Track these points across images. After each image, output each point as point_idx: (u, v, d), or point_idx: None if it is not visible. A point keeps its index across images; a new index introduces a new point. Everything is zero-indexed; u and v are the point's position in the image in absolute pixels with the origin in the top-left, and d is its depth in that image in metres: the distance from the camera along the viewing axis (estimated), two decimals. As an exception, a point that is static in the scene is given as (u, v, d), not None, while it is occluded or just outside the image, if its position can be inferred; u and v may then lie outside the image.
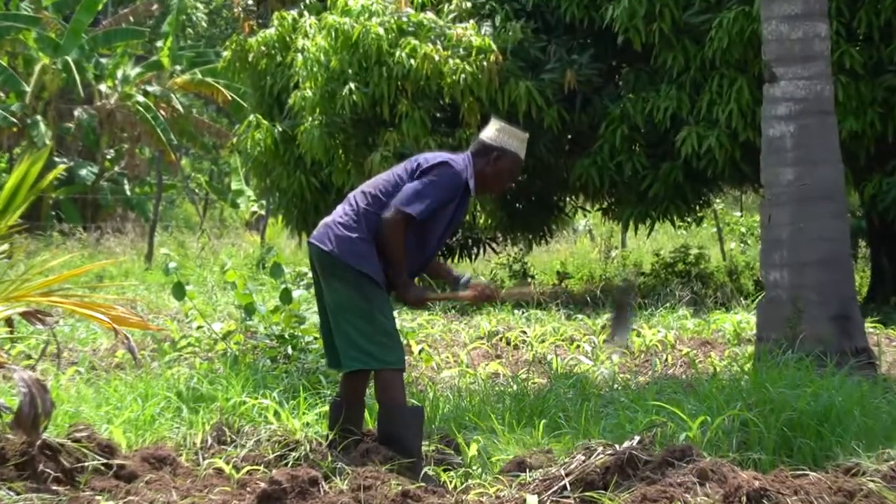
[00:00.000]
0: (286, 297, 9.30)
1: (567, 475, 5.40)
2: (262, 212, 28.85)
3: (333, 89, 15.49)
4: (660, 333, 11.50)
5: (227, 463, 6.01)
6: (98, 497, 5.32)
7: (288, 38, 17.17)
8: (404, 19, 15.29)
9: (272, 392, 7.53)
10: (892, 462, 5.47)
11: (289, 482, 5.33)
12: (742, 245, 25.12)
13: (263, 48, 17.42)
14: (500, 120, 6.49)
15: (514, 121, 14.98)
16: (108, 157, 31.10)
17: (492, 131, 6.37)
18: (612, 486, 5.29)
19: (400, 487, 5.36)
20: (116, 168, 31.46)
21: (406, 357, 9.66)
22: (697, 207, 17.07)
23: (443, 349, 10.81)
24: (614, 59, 16.14)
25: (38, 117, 27.63)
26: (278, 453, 6.17)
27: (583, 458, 5.51)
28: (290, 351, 9.03)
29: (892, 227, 14.89)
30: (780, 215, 9.12)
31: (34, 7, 29.23)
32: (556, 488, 5.37)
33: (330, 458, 5.95)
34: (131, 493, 5.44)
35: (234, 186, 31.05)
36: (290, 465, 5.97)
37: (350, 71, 15.27)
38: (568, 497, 5.29)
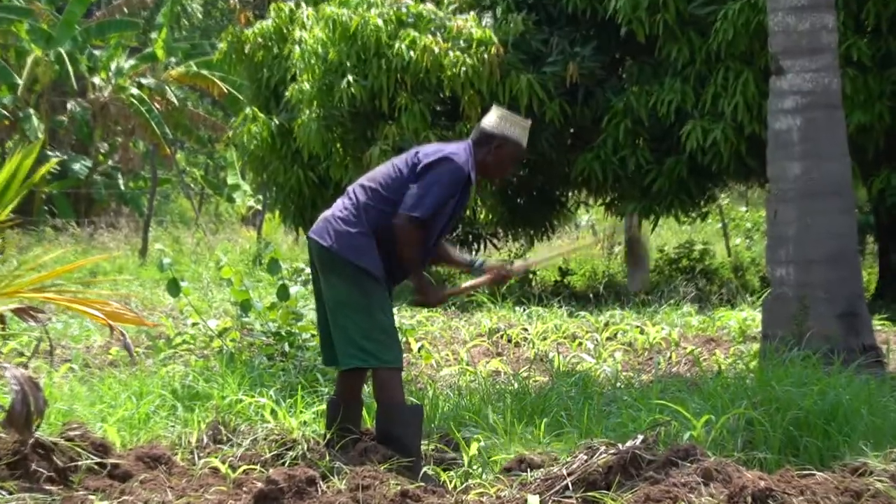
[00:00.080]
0: (283, 293, 9.30)
1: (569, 475, 5.40)
2: (259, 207, 28.84)
3: (331, 82, 15.48)
4: (664, 331, 11.51)
5: (223, 462, 6.01)
6: (92, 497, 5.32)
7: (285, 30, 17.17)
8: (403, 10, 15.28)
9: (269, 390, 7.53)
10: (900, 462, 5.47)
11: (286, 482, 5.33)
12: (747, 241, 25.14)
13: (260, 40, 17.42)
14: (501, 107, 6.49)
15: (515, 114, 15.01)
16: (102, 150, 31.08)
17: (493, 119, 6.36)
18: (615, 486, 5.29)
19: (399, 487, 5.36)
20: (110, 162, 31.44)
21: (405, 355, 9.73)
22: (702, 202, 17.04)
23: (442, 346, 10.81)
24: (617, 51, 16.13)
25: (31, 110, 27.61)
26: (275, 452, 6.17)
27: (585, 457, 5.52)
28: (286, 348, 9.04)
29: (901, 222, 14.89)
30: (787, 211, 9.12)
31: (26, -2, 29.25)
32: (557, 488, 5.38)
33: (328, 458, 5.95)
34: (125, 492, 5.44)
35: (230, 181, 31.03)
36: (287, 464, 5.98)
37: (348, 63, 15.27)
38: (570, 497, 5.30)
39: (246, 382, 7.79)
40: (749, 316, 12.14)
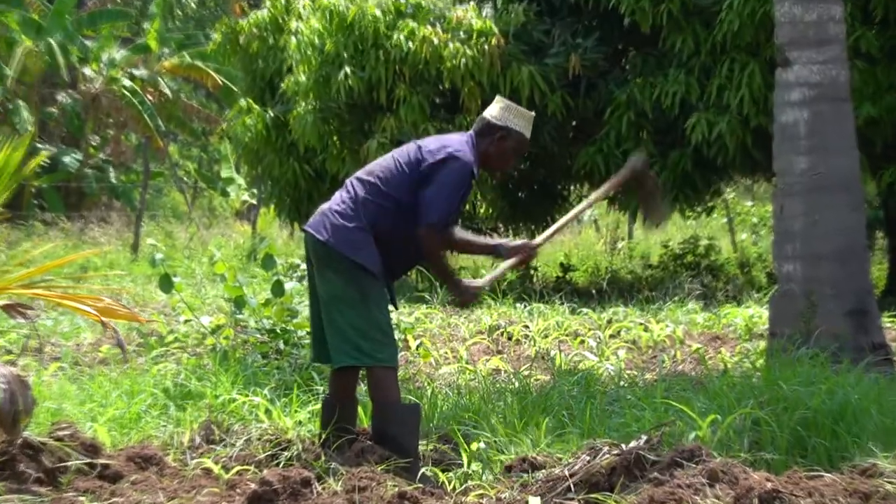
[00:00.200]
0: (278, 289, 9.29)
1: (571, 476, 5.40)
2: (254, 201, 28.85)
3: (328, 73, 15.47)
4: (668, 328, 11.51)
5: (216, 463, 6.00)
6: (81, 498, 5.31)
7: (281, 20, 17.16)
8: (402, 0, 15.27)
9: (263, 389, 7.52)
10: (910, 463, 5.46)
11: (280, 483, 5.32)
12: (754, 236, 25.14)
13: (255, 30, 17.41)
14: (505, 98, 6.48)
15: (516, 106, 15.01)
16: (93, 143, 31.05)
17: (496, 110, 6.35)
18: (619, 487, 5.28)
19: (396, 489, 5.34)
20: (101, 155, 31.41)
21: (403, 353, 9.72)
22: (707, 197, 17.06)
23: (441, 344, 10.80)
24: (621, 42, 16.11)
25: (20, 102, 27.58)
26: (269, 453, 6.16)
27: (588, 458, 5.51)
28: (281, 346, 9.03)
29: (910, 217, 14.89)
30: (794, 205, 9.11)
31: (16, -13, 29.20)
32: (559, 490, 5.37)
33: (323, 458, 5.94)
34: (116, 493, 5.43)
35: (224, 174, 31.03)
36: (281, 465, 5.96)
37: (345, 54, 15.25)
38: (572, 499, 5.29)
39: (240, 381, 7.78)
40: (755, 313, 12.13)
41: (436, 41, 14.73)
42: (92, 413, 7.13)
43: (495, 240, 6.61)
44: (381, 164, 6.27)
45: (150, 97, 29.13)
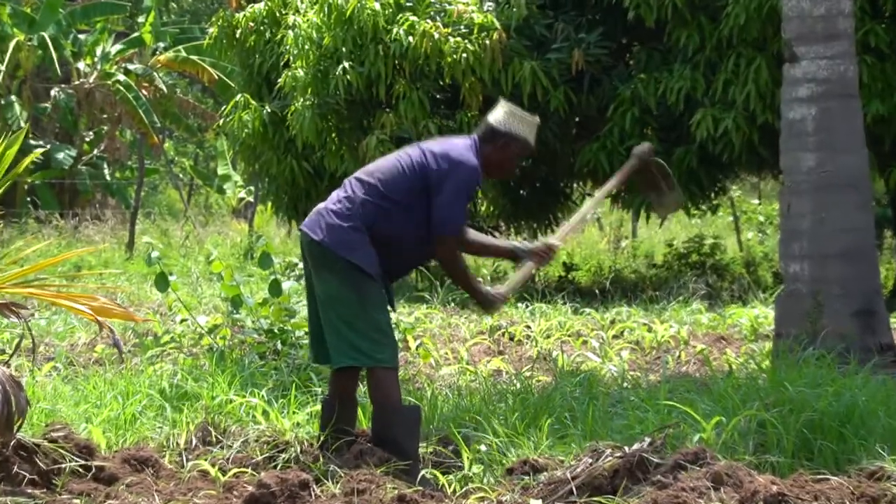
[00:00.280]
0: (275, 289, 9.30)
1: (573, 479, 5.41)
2: (251, 198, 28.85)
3: (326, 68, 15.47)
4: (672, 329, 11.51)
5: (213, 465, 6.01)
6: (76, 500, 5.33)
7: (278, 14, 17.14)
8: (402, -6, 15.28)
9: (260, 390, 7.54)
10: (918, 466, 5.48)
11: (278, 485, 5.34)
12: (760, 235, 25.12)
13: (252, 24, 17.39)
14: (509, 102, 6.48)
15: (518, 103, 14.99)
16: (87, 139, 31.02)
17: (500, 115, 6.36)
18: (621, 490, 5.30)
19: (396, 491, 5.36)
20: (96, 151, 31.37)
21: (403, 353, 9.73)
22: (713, 195, 17.04)
23: (442, 345, 10.81)
24: (625, 37, 16.11)
25: (13, 97, 27.57)
26: (267, 455, 6.18)
27: (590, 460, 5.52)
28: (279, 346, 9.04)
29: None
30: (801, 204, 9.13)
31: (8, -20, 29.20)
32: (561, 493, 5.38)
33: (321, 460, 5.96)
34: (111, 496, 5.45)
35: (220, 171, 31.02)
36: (279, 467, 5.98)
37: (344, 49, 15.25)
38: (574, 502, 5.31)
39: (237, 382, 7.79)
40: (761, 313, 12.13)
41: (436, 36, 14.73)
42: (87, 414, 7.14)
43: (511, 242, 6.65)
44: (382, 165, 6.29)
45: (145, 92, 29.08)
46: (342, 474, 5.64)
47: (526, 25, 15.25)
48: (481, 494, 5.64)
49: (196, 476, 5.94)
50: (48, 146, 28.55)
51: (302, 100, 15.67)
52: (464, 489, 5.80)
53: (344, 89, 15.20)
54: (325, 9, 15.35)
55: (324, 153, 16.26)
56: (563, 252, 20.52)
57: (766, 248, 21.81)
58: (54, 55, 27.03)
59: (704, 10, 14.46)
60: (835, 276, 8.97)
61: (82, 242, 22.38)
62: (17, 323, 7.32)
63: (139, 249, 21.56)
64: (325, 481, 5.64)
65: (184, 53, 28.74)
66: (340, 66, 15.14)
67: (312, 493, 5.39)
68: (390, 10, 15.10)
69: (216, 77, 27.84)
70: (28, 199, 28.23)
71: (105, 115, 29.70)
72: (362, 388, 6.72)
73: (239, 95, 17.50)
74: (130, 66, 29.63)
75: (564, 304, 13.45)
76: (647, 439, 5.61)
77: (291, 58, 15.97)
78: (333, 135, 16.07)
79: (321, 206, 6.24)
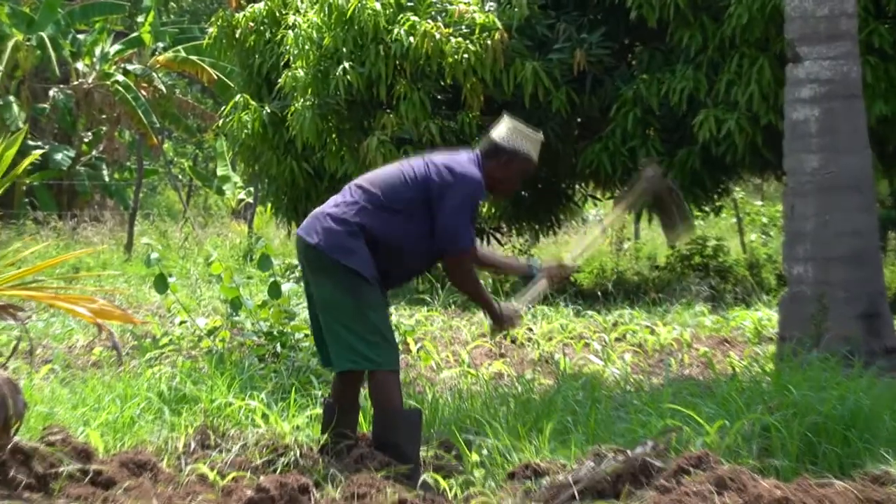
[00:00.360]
0: (275, 290, 9.30)
1: (575, 483, 5.40)
2: (250, 199, 28.84)
3: (326, 68, 15.47)
4: (675, 331, 11.51)
5: (212, 469, 6.00)
6: (73, 505, 5.32)
7: (278, 14, 17.15)
8: (402, -6, 15.28)
9: (260, 393, 7.52)
10: (923, 470, 5.47)
11: (277, 490, 5.33)
12: (763, 237, 25.10)
13: (252, 24, 17.41)
14: (513, 118, 6.47)
15: (520, 103, 15.01)
16: (86, 140, 31.02)
17: (504, 131, 6.35)
18: (624, 494, 5.29)
19: (396, 496, 5.35)
20: (94, 152, 31.39)
21: (404, 356, 9.72)
22: (716, 196, 17.05)
23: (443, 347, 10.80)
24: (627, 37, 16.11)
25: (11, 98, 27.57)
26: (266, 459, 6.16)
27: (592, 464, 5.51)
28: (279, 349, 9.03)
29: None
30: (804, 205, 9.12)
31: (6, -20, 29.21)
32: (563, 497, 5.37)
33: (321, 464, 5.95)
34: (109, 500, 5.43)
35: (219, 172, 31.01)
36: (278, 471, 5.97)
37: (344, 49, 15.25)
38: (576, 506, 5.29)
39: (236, 384, 7.78)
40: (765, 316, 12.13)
41: (437, 36, 14.73)
42: (84, 417, 7.13)
43: (522, 259, 6.63)
44: (384, 174, 6.28)
45: (144, 92, 29.09)
46: (342, 478, 5.63)
47: (528, 25, 15.25)
48: (483, 499, 5.64)
49: (194, 480, 5.93)
50: (46, 147, 28.57)
51: (302, 100, 15.68)
52: (465, 493, 5.79)
53: (344, 90, 15.20)
54: (326, 9, 15.35)
55: (324, 154, 16.26)
56: (564, 254, 20.52)
57: (769, 249, 21.79)
58: (53, 55, 27.04)
59: (707, 10, 14.46)
60: (839, 279, 8.96)
61: (80, 244, 22.37)
62: (15, 325, 7.32)
63: (138, 251, 21.55)
64: (325, 485, 5.63)
65: (183, 53, 28.75)
66: (341, 67, 15.14)
67: (312, 498, 5.38)
68: (391, 10, 15.10)
69: (216, 77, 27.85)
70: (26, 200, 28.23)
71: (104, 116, 29.70)
72: (364, 392, 6.72)
73: (238, 96, 17.52)
74: (129, 67, 29.64)
75: (566, 306, 13.45)
76: (650, 443, 5.60)
77: (291, 58, 15.98)
78: (334, 136, 16.07)
79: (318, 210, 6.24)
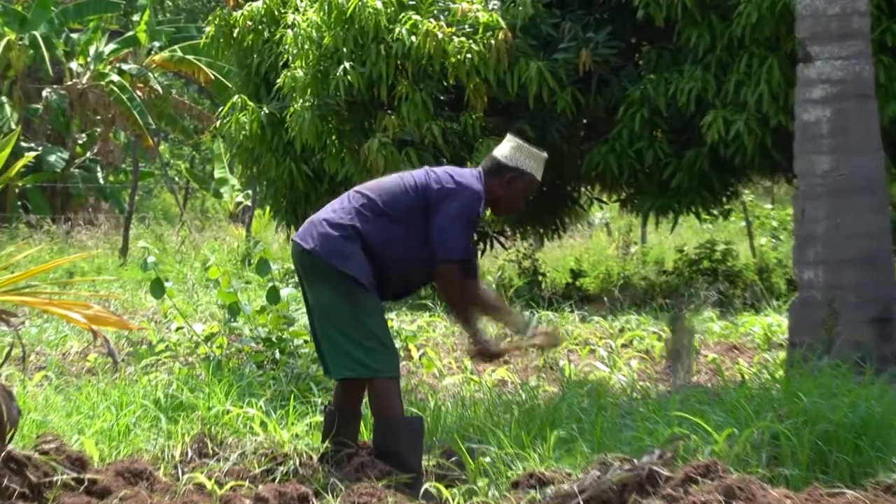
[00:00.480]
0: (274, 296, 9.30)
1: (581, 492, 5.41)
2: (248, 202, 28.83)
3: (326, 68, 15.48)
4: (683, 337, 11.50)
5: (209, 478, 6.01)
6: (68, 514, 5.33)
7: (277, 12, 17.16)
8: (404, -8, 15.30)
9: (258, 400, 7.53)
10: (936, 479, 5.47)
11: (276, 499, 5.34)
12: (773, 241, 25.10)
13: (250, 23, 17.41)
14: (517, 137, 6.50)
15: (524, 104, 15.03)
16: (80, 141, 31.06)
17: (507, 149, 6.37)
18: (630, 504, 5.30)
19: (398, 505, 5.36)
20: (88, 154, 31.41)
21: (405, 363, 9.73)
22: (725, 199, 17.04)
23: (445, 354, 10.82)
24: (634, 36, 16.12)
25: (3, 98, 27.63)
26: (265, 467, 6.17)
27: (598, 473, 5.52)
28: (277, 355, 9.04)
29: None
30: (815, 208, 9.13)
31: (-2, -22, 29.26)
32: (568, 507, 5.38)
33: (321, 473, 5.96)
34: (104, 510, 5.45)
35: (217, 174, 31.04)
36: (277, 480, 5.98)
37: (345, 49, 15.27)
38: (581, 516, 5.30)
39: (234, 392, 7.79)
40: (775, 321, 12.13)
41: (440, 35, 14.74)
42: (79, 425, 7.15)
43: (525, 315, 6.64)
44: (386, 184, 6.31)
45: (140, 93, 29.11)
46: (342, 488, 5.64)
47: (532, 24, 15.26)
48: (486, 508, 5.65)
49: (192, 489, 5.93)
50: (40, 149, 28.57)
51: (301, 101, 15.69)
52: (468, 503, 5.80)
53: (344, 90, 15.21)
54: (326, 7, 15.36)
55: (324, 156, 16.26)
56: (570, 259, 20.54)
57: (779, 254, 21.78)
58: (46, 55, 27.08)
59: (715, 8, 14.46)
60: (850, 283, 8.96)
61: (75, 248, 22.40)
62: (8, 331, 7.32)
63: (133, 255, 21.58)
64: (325, 495, 5.65)
65: (179, 53, 28.79)
66: (341, 67, 15.15)
67: (312, 507, 5.39)
68: (392, 9, 15.11)
69: (213, 77, 27.89)
70: (19, 203, 28.28)
71: (98, 117, 29.75)
72: (366, 399, 6.73)
73: (236, 96, 17.51)
74: (124, 66, 29.66)
75: (572, 311, 13.45)
76: (657, 452, 5.61)
77: (290, 58, 15.99)
78: (334, 137, 16.07)
79: (315, 216, 6.26)
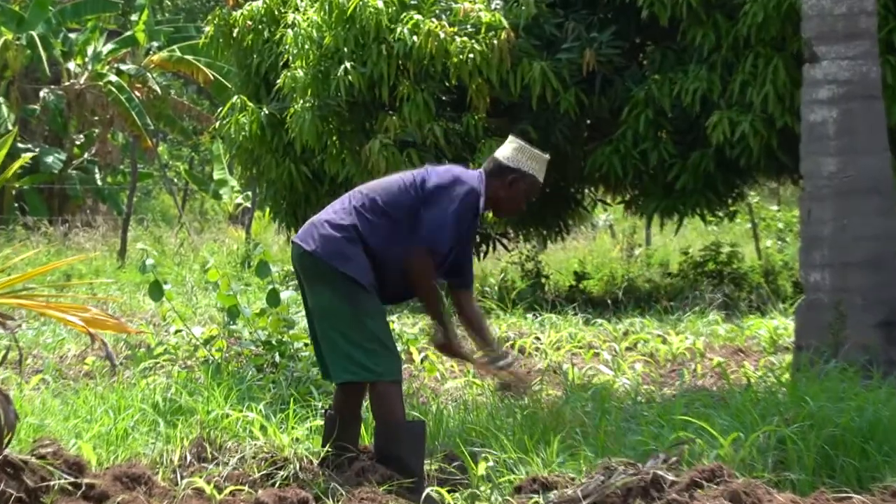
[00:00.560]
0: (273, 298, 9.30)
1: (585, 497, 5.41)
2: (248, 204, 28.84)
3: (327, 69, 15.48)
4: (688, 340, 11.51)
5: (208, 482, 6.01)
6: (65, 519, 5.33)
7: (277, 12, 17.16)
8: (406, -9, 15.29)
9: (258, 404, 7.53)
10: (944, 484, 5.47)
11: (276, 504, 5.34)
12: (779, 243, 25.09)
13: (249, 22, 17.41)
14: (519, 138, 6.49)
15: (527, 104, 15.02)
16: (78, 142, 31.10)
17: (509, 151, 6.36)
18: (635, 509, 5.29)
19: (399, 510, 5.36)
20: (86, 155, 31.44)
21: (407, 366, 9.73)
22: (730, 200, 17.03)
23: (447, 357, 10.80)
24: (638, 36, 16.11)
25: (0, 99, 27.63)
26: (265, 472, 6.17)
27: (602, 478, 5.52)
28: (277, 358, 9.04)
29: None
30: (822, 210, 9.12)
31: (-5, -23, 29.28)
32: (572, 512, 5.38)
33: (322, 478, 5.96)
34: (102, 514, 5.45)
35: (216, 176, 31.04)
36: (277, 485, 5.98)
37: (345, 48, 15.26)
38: (585, 521, 5.30)
39: (233, 395, 7.79)
40: (781, 324, 12.12)
41: (442, 35, 14.73)
42: (76, 429, 7.15)
43: (497, 347, 6.59)
44: (385, 182, 6.32)
45: (138, 93, 29.12)
46: (343, 493, 5.64)
47: (535, 24, 15.25)
48: (488, 513, 5.65)
49: (190, 494, 5.94)
50: (37, 150, 28.61)
51: (301, 101, 15.68)
52: (470, 508, 5.81)
53: (345, 90, 15.20)
54: (326, 7, 15.36)
55: (324, 157, 16.26)
56: (574, 261, 20.53)
57: (785, 256, 21.78)
58: (43, 55, 27.09)
59: (721, 8, 14.46)
60: (857, 286, 8.96)
61: (72, 250, 22.42)
62: (4, 334, 7.33)
63: (132, 257, 21.59)
64: (326, 500, 5.65)
65: (178, 53, 28.79)
66: (342, 67, 15.15)
67: (312, 512, 5.39)
68: (394, 9, 15.11)
69: (212, 78, 27.89)
70: (16, 204, 28.29)
71: (96, 118, 29.76)
72: (366, 403, 6.73)
73: (236, 97, 17.51)
74: (123, 67, 29.68)
75: (575, 314, 13.46)
76: (662, 456, 5.62)
77: (291, 58, 15.99)
78: (334, 138, 16.07)
79: (315, 217, 6.26)
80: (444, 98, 15.65)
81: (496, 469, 6.36)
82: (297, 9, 16.44)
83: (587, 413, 7.63)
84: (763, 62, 14.07)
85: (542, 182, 6.42)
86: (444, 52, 14.75)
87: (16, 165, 7.10)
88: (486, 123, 15.31)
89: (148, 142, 28.55)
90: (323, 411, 7.11)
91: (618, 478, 5.46)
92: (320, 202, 15.08)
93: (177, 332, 10.41)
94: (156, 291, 9.58)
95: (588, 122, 16.52)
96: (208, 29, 18.24)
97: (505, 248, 18.80)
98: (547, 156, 6.47)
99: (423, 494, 5.80)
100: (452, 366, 10.28)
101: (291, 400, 7.68)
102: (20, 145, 27.31)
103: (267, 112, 16.93)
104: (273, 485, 5.99)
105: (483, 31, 14.88)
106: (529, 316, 13.47)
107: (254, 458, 6.35)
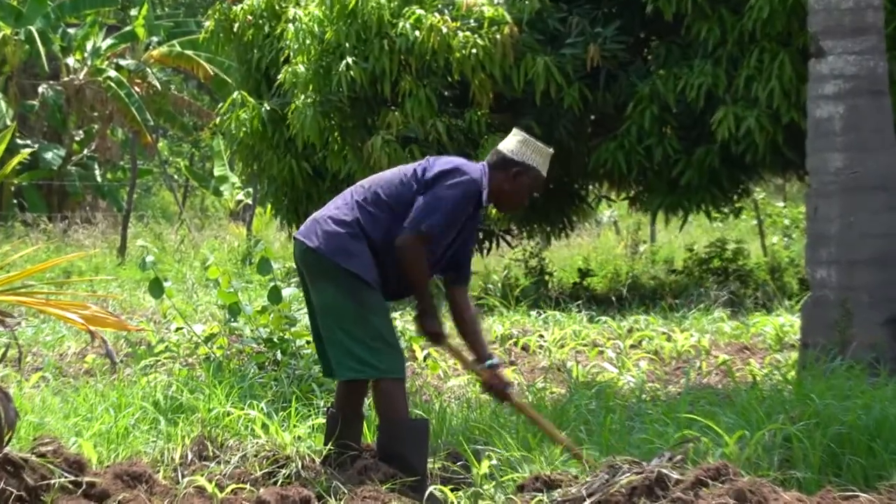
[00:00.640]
0: (275, 295, 9.30)
1: (589, 496, 5.41)
2: (249, 200, 28.87)
3: (328, 64, 15.48)
4: (693, 338, 11.51)
5: (210, 481, 6.02)
6: (65, 518, 5.34)
7: (278, 7, 17.17)
8: (408, -14, 15.29)
9: (259, 402, 7.54)
10: (951, 482, 5.48)
11: (278, 502, 5.35)
12: (785, 239, 25.09)
13: (250, 17, 17.41)
14: (522, 132, 6.48)
15: (531, 100, 15.02)
16: (77, 138, 31.11)
17: (513, 143, 6.36)
18: (639, 507, 5.30)
19: (402, 509, 5.37)
20: (86, 151, 31.47)
21: (410, 364, 9.74)
22: (735, 197, 17.04)
23: (450, 355, 10.80)
24: (642, 31, 16.11)
25: (-1, 94, 27.66)
26: (266, 470, 6.18)
27: (606, 476, 5.52)
28: (279, 356, 9.04)
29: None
30: (828, 206, 9.12)
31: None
32: (576, 510, 5.39)
33: (324, 476, 5.97)
34: (102, 513, 5.46)
35: (216, 172, 31.06)
36: (279, 483, 5.98)
37: (347, 44, 15.27)
38: (590, 520, 5.31)
39: (234, 393, 7.79)
40: (787, 322, 12.13)
41: (444, 30, 14.73)
42: (77, 427, 7.16)
43: (484, 351, 6.56)
44: (387, 175, 6.31)
45: (138, 89, 29.14)
46: (345, 491, 5.65)
47: (539, 19, 15.25)
48: (492, 512, 5.66)
49: (192, 492, 5.94)
50: (36, 146, 28.63)
51: (303, 97, 15.69)
52: (474, 506, 5.81)
53: (347, 86, 15.21)
54: (327, 1, 15.37)
55: (326, 153, 16.27)
56: (578, 258, 20.52)
57: (791, 253, 21.78)
58: (42, 50, 27.10)
59: (726, 2, 14.45)
60: (864, 283, 8.96)
61: (72, 247, 22.44)
62: (4, 331, 7.33)
63: (132, 254, 21.61)
64: (328, 498, 5.65)
65: (178, 48, 28.80)
66: (343, 62, 15.15)
67: (314, 511, 5.40)
68: (396, 3, 15.11)
69: (212, 73, 27.90)
70: (15, 201, 28.31)
71: (96, 113, 29.77)
72: (369, 401, 6.74)
73: (236, 92, 17.52)
74: (122, 62, 29.70)
75: (579, 312, 13.46)
76: (667, 454, 5.62)
77: (292, 53, 16.00)
78: (336, 134, 16.08)
79: (318, 213, 6.25)
80: (446, 93, 15.66)
81: (499, 467, 6.36)
82: (298, 3, 16.46)
83: (591, 411, 7.64)
84: (769, 57, 14.07)
85: (545, 176, 6.42)
86: (446, 47, 14.75)
87: (14, 161, 7.10)
88: (489, 119, 15.32)
89: (148, 138, 28.56)
90: (325, 409, 7.12)
91: (622, 476, 5.46)
92: (322, 199, 15.09)
93: (177, 329, 10.42)
94: (156, 289, 9.58)
95: (592, 117, 16.52)
96: (208, 24, 18.24)
97: (508, 244, 18.81)
98: (551, 150, 6.47)
99: (426, 493, 5.81)
100: (456, 363, 10.29)
101: (293, 398, 7.69)
102: (19, 141, 27.33)
103: (268, 108, 16.95)
104: (275, 483, 6.00)
105: (486, 25, 14.88)
106: (533, 313, 13.47)
107: (255, 456, 6.36)
